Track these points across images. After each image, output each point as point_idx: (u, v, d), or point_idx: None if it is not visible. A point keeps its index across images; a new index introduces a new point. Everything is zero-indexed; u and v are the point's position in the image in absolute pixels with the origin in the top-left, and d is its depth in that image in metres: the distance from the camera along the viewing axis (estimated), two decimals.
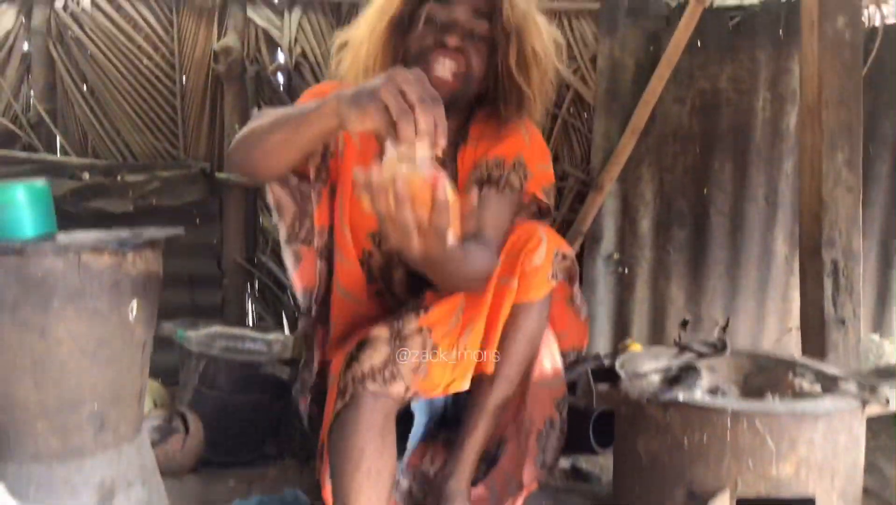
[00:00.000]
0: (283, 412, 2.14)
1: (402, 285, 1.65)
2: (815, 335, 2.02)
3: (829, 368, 1.65)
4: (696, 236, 2.62)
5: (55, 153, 2.88)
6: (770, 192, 2.61)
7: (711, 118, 2.59)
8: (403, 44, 1.51)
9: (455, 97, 1.48)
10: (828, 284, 2.01)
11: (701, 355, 1.79)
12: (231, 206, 2.85)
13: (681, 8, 2.57)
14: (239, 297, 2.91)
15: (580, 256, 2.65)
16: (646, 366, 1.70)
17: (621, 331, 2.64)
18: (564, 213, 2.70)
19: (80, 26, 2.77)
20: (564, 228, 2.68)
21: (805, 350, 2.05)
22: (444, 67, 1.46)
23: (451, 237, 0.99)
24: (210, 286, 2.89)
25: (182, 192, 2.78)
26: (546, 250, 1.49)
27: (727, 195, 2.60)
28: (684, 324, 2.62)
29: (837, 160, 1.97)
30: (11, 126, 2.84)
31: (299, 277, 1.63)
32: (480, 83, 1.53)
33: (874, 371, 2.62)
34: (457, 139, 1.59)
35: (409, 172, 0.97)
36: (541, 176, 1.62)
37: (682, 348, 1.82)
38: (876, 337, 2.70)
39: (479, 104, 1.61)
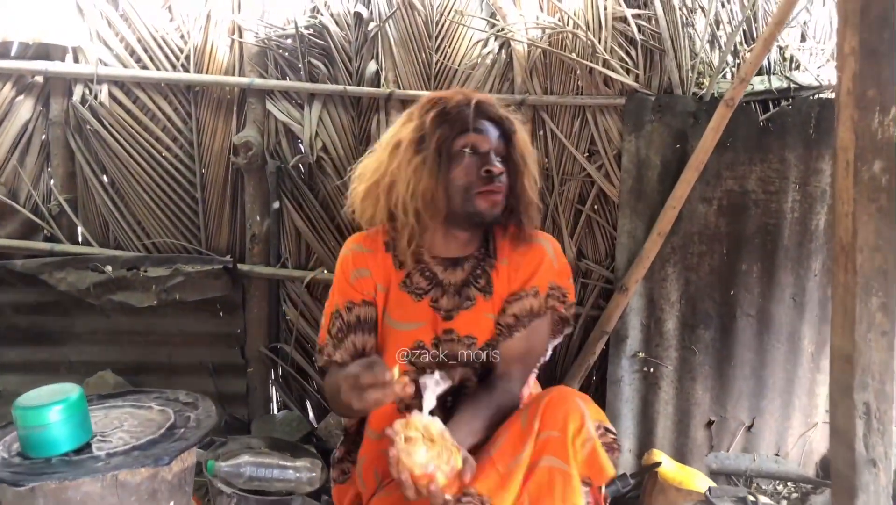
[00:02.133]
0: None
1: None
2: (845, 475, 2.01)
3: None
4: (721, 337, 2.60)
5: (77, 243, 2.88)
6: (798, 291, 2.58)
7: (739, 218, 2.55)
8: (446, 175, 1.62)
9: (498, 215, 1.66)
10: (860, 425, 1.99)
11: None
12: (254, 297, 2.85)
13: (709, 104, 2.52)
14: (263, 384, 2.93)
15: (605, 355, 2.65)
16: None
17: (646, 430, 2.64)
18: (587, 309, 2.69)
19: (98, 118, 2.75)
20: (589, 325, 2.67)
21: (835, 490, 2.05)
22: (496, 194, 1.63)
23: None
24: (235, 375, 2.90)
25: (205, 287, 2.78)
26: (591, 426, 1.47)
27: (754, 296, 2.57)
28: (709, 424, 2.63)
29: (872, 304, 1.94)
30: (32, 216, 2.85)
31: None
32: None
33: None
34: (481, 254, 1.73)
35: (407, 461, 1.26)
36: (570, 292, 1.78)
37: None
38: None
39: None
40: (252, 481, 2.18)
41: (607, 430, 1.53)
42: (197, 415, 1.68)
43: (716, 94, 2.55)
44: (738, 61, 2.66)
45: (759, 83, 2.61)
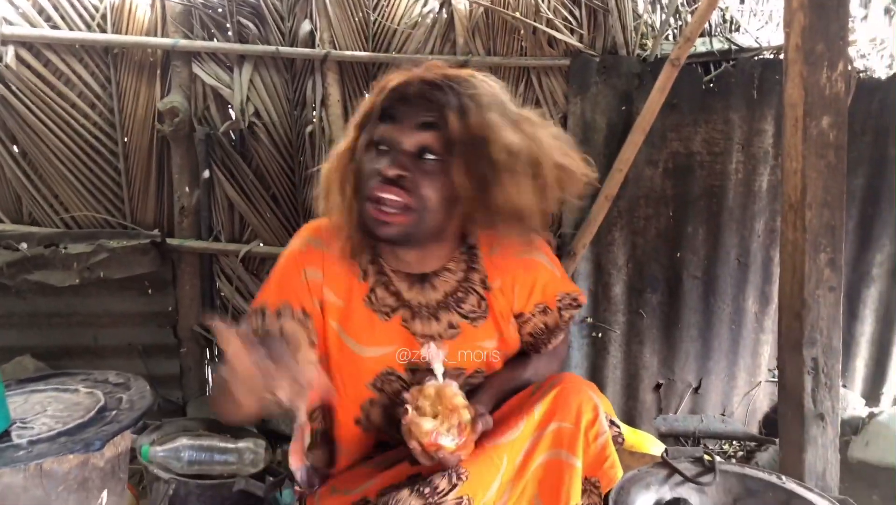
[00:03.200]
0: None
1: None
2: (794, 429, 2.03)
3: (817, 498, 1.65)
4: (668, 300, 2.59)
5: None
6: (742, 252, 2.59)
7: (685, 180, 2.54)
8: (356, 168, 1.33)
9: (409, 233, 1.29)
10: (808, 380, 2.01)
11: (689, 480, 1.77)
12: (185, 273, 2.69)
13: (653, 65, 2.49)
14: (198, 365, 2.78)
15: None
16: (637, 502, 1.67)
17: None
18: None
19: (4, 82, 2.52)
20: None
21: (783, 445, 2.07)
22: (388, 205, 1.26)
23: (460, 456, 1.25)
24: (167, 356, 2.75)
25: (132, 264, 2.60)
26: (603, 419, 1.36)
27: (700, 258, 2.57)
28: (657, 387, 2.63)
29: (820, 261, 1.95)
30: None
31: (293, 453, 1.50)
32: (450, 206, 1.30)
33: (840, 423, 2.68)
34: (459, 270, 1.43)
35: (416, 431, 1.24)
36: (577, 291, 1.56)
37: (671, 470, 1.80)
38: (840, 388, 2.74)
39: (471, 223, 1.40)
40: (192, 465, 2.05)
41: (613, 422, 1.42)
42: (129, 396, 1.55)
43: (659, 56, 2.52)
44: (679, 23, 2.64)
45: (700, 45, 2.59)
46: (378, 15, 2.56)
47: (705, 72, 2.57)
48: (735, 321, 2.63)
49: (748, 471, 1.93)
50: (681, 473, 1.81)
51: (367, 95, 1.40)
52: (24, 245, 2.57)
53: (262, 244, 2.67)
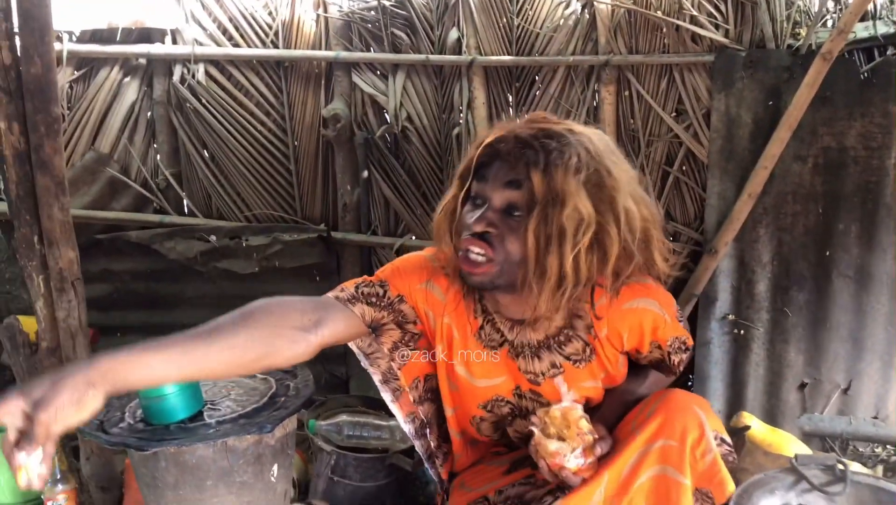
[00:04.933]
0: (407, 492, 2.31)
1: (518, 435, 1.68)
2: None
3: None
4: (816, 298, 2.52)
5: (183, 215, 3.08)
6: None
7: (836, 177, 2.44)
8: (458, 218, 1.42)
9: (494, 282, 1.37)
10: None
11: (817, 488, 1.78)
12: (348, 263, 2.98)
13: (805, 57, 2.40)
14: None
15: (693, 317, 2.63)
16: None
17: (736, 393, 2.62)
18: (675, 272, 2.66)
19: (196, 96, 2.90)
20: (677, 288, 2.64)
21: None
22: (474, 255, 1.35)
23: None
24: None
25: (302, 255, 2.92)
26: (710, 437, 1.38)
27: (852, 256, 2.47)
28: (802, 386, 2.59)
29: None
30: (143, 190, 3.05)
31: (400, 407, 1.65)
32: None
33: None
34: (570, 320, 1.48)
35: (542, 451, 1.35)
36: (687, 336, 1.57)
37: (799, 477, 1.81)
38: None
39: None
40: (350, 439, 2.32)
41: (723, 441, 1.45)
42: (296, 384, 1.81)
43: (813, 46, 2.42)
44: (839, 7, 2.52)
45: (862, 30, 2.45)
46: (521, 19, 2.66)
47: (867, 59, 2.44)
48: (891, 322, 2.51)
49: (882, 483, 1.90)
50: (808, 481, 1.83)
51: (468, 150, 1.41)
52: (213, 237, 2.97)
53: (413, 238, 2.89)
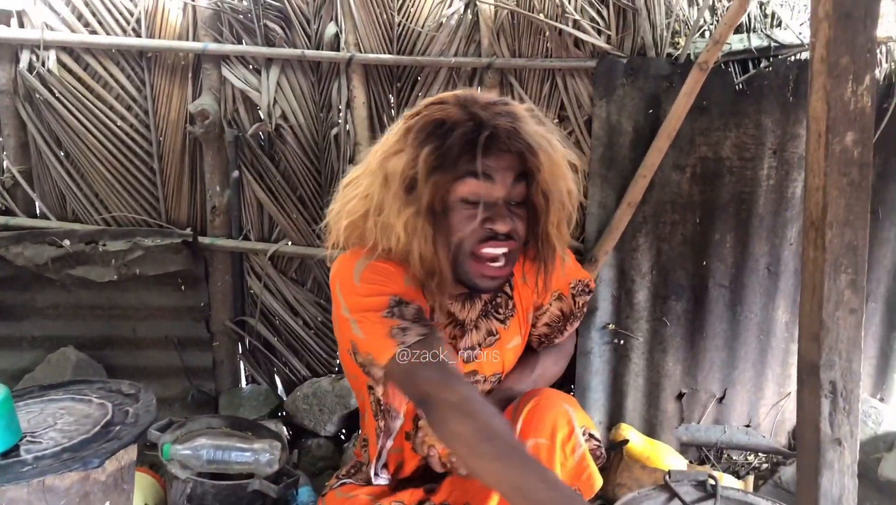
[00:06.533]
0: None
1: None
2: (810, 454, 1.97)
3: None
4: (693, 308, 2.53)
5: (34, 217, 2.79)
6: (772, 260, 2.50)
7: (713, 186, 2.46)
8: (442, 229, 1.36)
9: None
10: (825, 404, 1.94)
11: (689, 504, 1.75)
12: (217, 270, 2.78)
13: (683, 66, 2.40)
14: (230, 358, 2.88)
15: None
16: None
17: (616, 403, 2.59)
18: None
19: (47, 86, 2.62)
20: None
21: (800, 467, 2.01)
22: (499, 263, 1.41)
23: None
24: (201, 349, 2.85)
25: (166, 262, 2.70)
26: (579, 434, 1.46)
27: (727, 266, 2.50)
28: (680, 396, 2.59)
29: (841, 282, 1.87)
30: None
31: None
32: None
33: (873, 439, 2.59)
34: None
35: (430, 440, 1.44)
36: (588, 277, 1.74)
37: (672, 494, 1.79)
38: (876, 402, 2.65)
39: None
40: (210, 464, 2.14)
41: (591, 435, 1.49)
42: (136, 410, 1.62)
43: (692, 56, 2.43)
44: (716, 18, 2.54)
45: (737, 42, 2.48)
46: (402, 17, 2.55)
47: (742, 70, 2.47)
48: (764, 331, 2.55)
49: (751, 498, 1.91)
50: (680, 498, 1.80)
51: (425, 148, 1.32)
52: (66, 242, 2.70)
53: (289, 243, 2.73)
